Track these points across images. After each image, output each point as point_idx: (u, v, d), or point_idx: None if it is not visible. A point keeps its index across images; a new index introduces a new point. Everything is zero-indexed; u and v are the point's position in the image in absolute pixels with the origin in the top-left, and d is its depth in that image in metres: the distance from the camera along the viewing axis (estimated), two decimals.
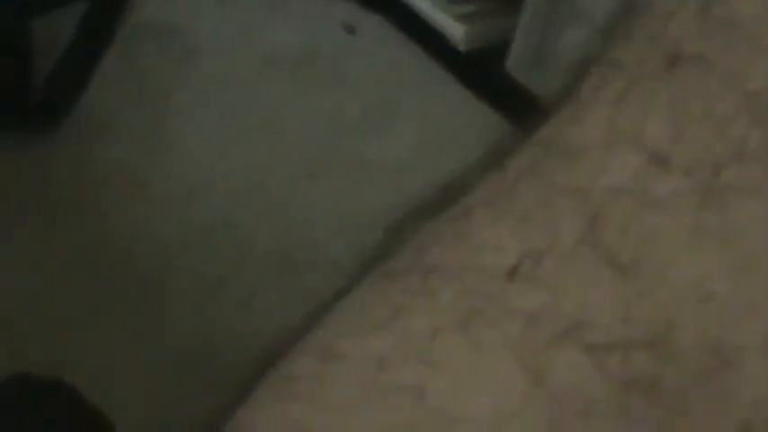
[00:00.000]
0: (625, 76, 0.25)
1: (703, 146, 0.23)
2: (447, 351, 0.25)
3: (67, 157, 0.97)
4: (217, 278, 0.89)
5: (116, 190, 0.95)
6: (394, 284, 0.27)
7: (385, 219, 0.91)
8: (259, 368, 0.33)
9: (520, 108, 0.95)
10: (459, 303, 0.25)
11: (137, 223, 0.93)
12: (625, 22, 0.27)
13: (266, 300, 0.87)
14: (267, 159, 0.94)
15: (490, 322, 0.25)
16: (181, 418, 0.82)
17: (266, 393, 0.30)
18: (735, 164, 0.23)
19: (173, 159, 0.95)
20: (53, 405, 0.66)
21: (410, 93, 1.00)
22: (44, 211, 0.94)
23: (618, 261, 0.24)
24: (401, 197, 0.93)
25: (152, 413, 0.83)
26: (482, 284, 0.25)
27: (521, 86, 0.95)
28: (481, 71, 1.00)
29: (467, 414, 0.25)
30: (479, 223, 0.26)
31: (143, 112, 0.97)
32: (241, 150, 0.94)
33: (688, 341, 0.23)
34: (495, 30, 0.99)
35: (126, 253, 0.91)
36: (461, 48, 0.99)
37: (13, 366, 0.85)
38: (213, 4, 1.05)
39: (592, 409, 0.24)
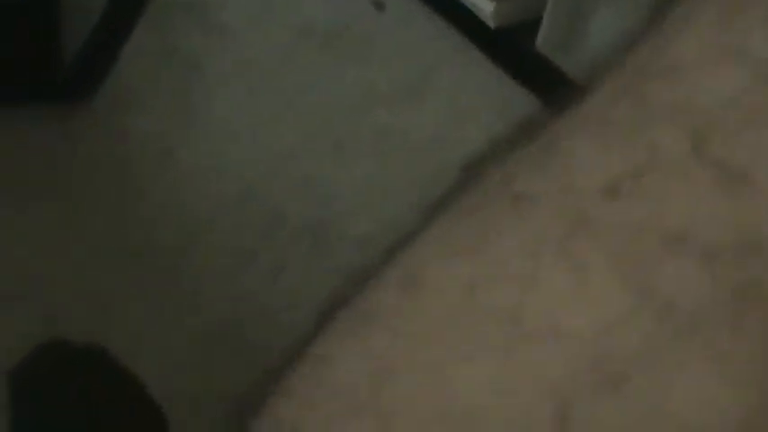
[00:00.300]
0: None
1: None
2: (545, 271, 0.25)
3: (97, 130, 0.98)
4: (246, 251, 0.89)
5: (145, 162, 0.95)
6: (480, 213, 0.27)
7: (413, 193, 0.91)
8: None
9: (549, 85, 0.95)
10: (557, 224, 0.25)
11: (166, 195, 0.93)
12: None
13: (295, 273, 0.88)
14: (296, 133, 0.94)
15: (591, 239, 0.25)
16: (209, 388, 0.83)
17: (342, 330, 0.29)
18: None
19: (202, 132, 0.95)
20: (90, 370, 0.67)
21: (439, 69, 1.00)
22: (75, 182, 0.94)
23: (726, 171, 0.24)
24: (429, 171, 0.93)
25: (180, 383, 0.83)
26: (580, 204, 0.25)
27: (551, 64, 0.95)
28: (511, 48, 0.99)
29: (568, 333, 0.25)
30: (573, 147, 0.26)
31: (173, 86, 0.97)
32: (270, 124, 0.94)
33: None
34: (526, 6, 0.98)
35: (155, 225, 0.92)
36: (491, 24, 0.99)
37: (45, 334, 0.86)
38: None
39: (700, 320, 0.24)
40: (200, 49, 0.98)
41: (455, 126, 0.96)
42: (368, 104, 0.97)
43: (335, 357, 0.27)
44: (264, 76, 0.97)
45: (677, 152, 0.24)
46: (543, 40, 0.97)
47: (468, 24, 1.02)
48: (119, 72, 0.99)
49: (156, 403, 0.67)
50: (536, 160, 0.26)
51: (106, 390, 0.67)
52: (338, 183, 0.92)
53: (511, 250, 0.25)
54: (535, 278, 0.25)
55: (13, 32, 0.97)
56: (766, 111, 0.24)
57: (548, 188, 0.25)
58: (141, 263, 0.89)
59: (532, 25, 0.97)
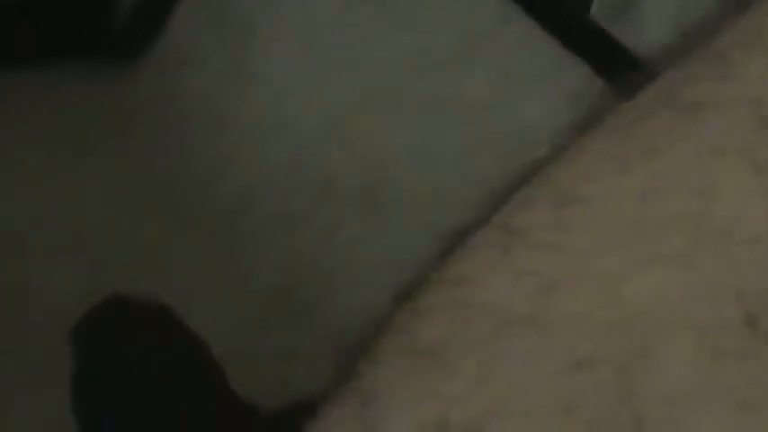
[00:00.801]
0: None
1: None
2: (728, 175, 0.25)
3: (149, 89, 0.98)
4: (300, 212, 0.90)
5: (197, 123, 0.96)
6: (642, 127, 0.27)
7: (465, 158, 0.92)
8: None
9: (603, 54, 0.95)
10: (735, 131, 0.25)
11: (218, 156, 0.94)
12: None
13: (349, 235, 0.88)
14: (349, 95, 0.94)
15: None
16: (263, 347, 0.84)
17: (486, 250, 0.30)
18: None
19: (255, 93, 0.96)
20: (154, 327, 0.67)
21: (490, 35, 1.00)
22: (126, 142, 0.95)
23: None
24: (480, 137, 0.93)
25: (233, 344, 0.84)
26: (759, 111, 0.25)
27: (605, 32, 0.95)
28: (564, 15, 0.99)
29: (754, 237, 0.25)
30: (747, 59, 0.26)
31: (226, 45, 0.98)
32: (324, 86, 0.95)
33: None
34: None
35: (207, 185, 0.93)
36: None
37: (100, 290, 0.87)
38: None
39: None
40: (254, 7, 0.99)
41: (506, 93, 0.96)
42: (420, 70, 0.97)
43: (482, 276, 0.28)
44: (318, 37, 0.97)
45: None
46: (598, 8, 0.96)
47: None
48: (172, 29, 0.99)
49: (219, 362, 0.68)
50: (704, 71, 0.26)
51: (169, 347, 0.68)
52: (391, 146, 0.92)
53: (688, 158, 0.25)
54: (717, 183, 0.25)
55: None
56: None
57: (721, 97, 0.25)
58: (195, 221, 0.90)
59: None
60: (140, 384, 0.63)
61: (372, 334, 0.32)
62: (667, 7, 0.89)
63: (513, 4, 1.02)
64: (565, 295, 0.27)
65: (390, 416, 0.28)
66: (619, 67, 0.94)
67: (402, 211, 0.89)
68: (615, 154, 0.28)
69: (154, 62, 0.99)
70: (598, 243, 0.27)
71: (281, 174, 0.91)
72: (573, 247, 0.27)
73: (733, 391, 0.24)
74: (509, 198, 0.35)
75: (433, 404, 0.27)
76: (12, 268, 0.87)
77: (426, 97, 0.95)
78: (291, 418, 0.47)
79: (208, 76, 0.97)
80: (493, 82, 0.97)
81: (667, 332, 0.25)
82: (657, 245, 0.26)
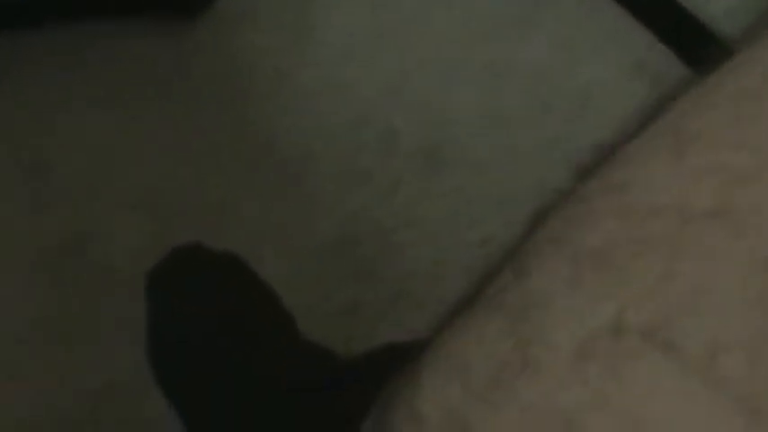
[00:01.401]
0: None
1: None
2: None
3: (213, 46, 0.99)
4: (361, 170, 0.91)
5: (259, 79, 0.97)
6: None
7: (525, 121, 0.93)
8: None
9: (669, 21, 0.95)
10: None
11: (280, 112, 0.95)
12: None
13: (410, 193, 0.89)
14: (413, 56, 0.95)
15: None
16: (325, 305, 0.85)
17: (657, 153, 0.31)
18: None
19: (318, 51, 0.97)
20: (225, 275, 0.68)
21: (552, 1, 1.00)
22: (189, 98, 0.96)
23: None
24: (539, 102, 0.94)
25: (297, 300, 0.85)
26: None
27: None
28: None
29: None
30: None
31: (288, 2, 0.99)
32: (388, 45, 0.96)
33: None
34: None
35: (269, 141, 0.94)
36: None
37: (161, 246, 0.89)
38: None
39: None
40: None
41: (566, 57, 0.97)
42: (482, 34, 0.98)
43: (652, 180, 0.29)
44: (382, 0, 0.98)
45: None
46: None
47: None
48: None
49: (289, 312, 0.69)
50: None
51: (241, 295, 0.69)
52: (453, 107, 0.93)
53: None
54: None
55: None
56: None
57: None
58: (258, 178, 0.91)
59: None
60: (214, 329, 0.64)
61: (517, 243, 0.33)
62: None
63: None
64: (753, 189, 0.28)
65: (553, 325, 0.29)
66: (685, 35, 0.94)
67: (462, 171, 0.90)
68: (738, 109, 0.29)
69: (217, 18, 1.00)
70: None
71: (342, 132, 0.93)
72: (756, 144, 0.28)
73: None
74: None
75: (605, 308, 0.28)
76: (80, 219, 0.89)
77: (487, 61, 0.96)
78: (381, 361, 0.48)
79: (270, 34, 0.98)
80: (552, 45, 0.98)
81: None
82: None
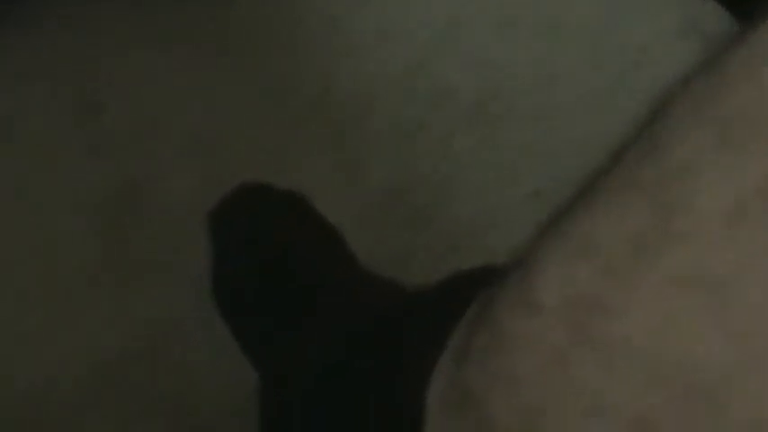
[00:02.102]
0: None
1: None
2: None
3: None
4: (415, 121, 0.91)
5: (312, 28, 0.97)
6: None
7: (580, 78, 0.93)
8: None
9: None
10: None
11: (333, 60, 0.95)
12: None
13: (464, 145, 0.90)
14: (468, 7, 0.95)
15: None
16: (378, 252, 0.86)
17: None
18: None
19: (370, 0, 0.97)
20: (289, 214, 0.69)
21: None
22: (243, 44, 0.97)
23: None
24: (592, 58, 0.94)
25: (351, 244, 0.86)
26: None
27: None
28: None
29: None
30: None
31: None
32: None
33: None
34: None
35: (322, 88, 0.94)
36: None
37: (213, 189, 0.90)
38: None
39: None
40: None
41: (618, 16, 0.97)
42: None
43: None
44: None
45: None
46: None
47: None
48: None
49: (353, 252, 0.69)
50: None
51: (305, 234, 0.69)
52: (507, 60, 0.93)
53: None
54: None
55: None
56: None
57: None
58: (311, 125, 0.92)
59: None
60: (276, 265, 0.64)
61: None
62: None
63: None
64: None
65: (698, 192, 0.29)
66: None
67: (514, 124, 0.91)
68: None
69: None
70: None
71: (395, 82, 0.93)
72: None
73: None
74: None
75: (755, 169, 0.28)
76: (134, 163, 0.90)
77: (542, 17, 0.96)
78: (453, 289, 0.48)
79: None
80: (607, 5, 0.97)
81: None
82: None
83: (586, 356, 0.32)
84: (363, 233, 0.87)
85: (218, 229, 0.69)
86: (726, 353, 0.28)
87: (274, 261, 0.64)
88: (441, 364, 0.41)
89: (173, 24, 0.97)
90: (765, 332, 0.28)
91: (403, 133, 0.91)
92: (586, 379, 0.32)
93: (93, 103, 0.93)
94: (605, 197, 0.33)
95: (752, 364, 0.28)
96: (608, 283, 0.31)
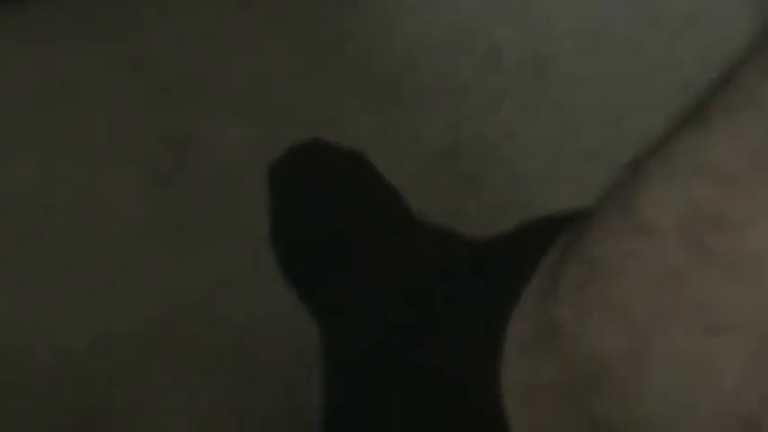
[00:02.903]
0: None
1: None
2: None
3: None
4: (463, 81, 0.92)
5: None
6: None
7: (629, 38, 0.93)
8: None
9: None
10: None
11: (383, 21, 0.95)
12: None
13: (513, 105, 0.90)
14: None
15: None
16: (430, 212, 0.87)
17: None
18: None
19: None
20: (348, 171, 0.69)
21: None
22: (294, 4, 0.97)
23: None
24: (645, 18, 0.94)
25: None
26: None
27: None
28: None
29: None
30: None
31: None
32: None
33: None
34: None
35: (372, 49, 0.94)
36: None
37: (263, 147, 0.91)
38: None
39: None
40: None
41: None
42: None
43: None
44: None
45: None
46: None
47: None
48: None
49: (415, 215, 0.69)
50: None
51: (365, 190, 0.68)
52: (558, 22, 0.93)
53: None
54: None
55: None
56: None
57: None
58: (360, 86, 0.92)
59: None
60: (337, 220, 0.64)
61: None
62: None
63: None
64: None
65: None
66: None
67: (566, 85, 0.91)
68: None
69: None
70: None
71: (446, 40, 0.93)
72: None
73: None
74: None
75: None
76: (185, 119, 0.91)
77: None
78: (526, 237, 0.49)
79: None
80: None
81: None
82: None
83: (709, 274, 0.32)
84: (415, 193, 0.88)
85: (279, 183, 0.69)
86: None
87: (335, 216, 0.64)
88: (520, 306, 0.41)
89: None
90: None
91: (452, 96, 0.91)
92: (709, 297, 0.32)
93: (146, 59, 0.93)
94: (721, 116, 0.34)
95: None
96: (731, 198, 0.32)
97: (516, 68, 0.92)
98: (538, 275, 0.41)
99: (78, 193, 0.88)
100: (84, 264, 0.86)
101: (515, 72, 0.92)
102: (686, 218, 0.33)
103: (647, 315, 0.33)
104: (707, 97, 0.35)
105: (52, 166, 0.89)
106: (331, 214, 0.64)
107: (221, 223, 0.86)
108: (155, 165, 0.89)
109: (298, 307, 0.83)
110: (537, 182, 0.87)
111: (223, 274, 0.85)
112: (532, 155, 0.88)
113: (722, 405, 0.32)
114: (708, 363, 0.32)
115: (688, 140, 0.35)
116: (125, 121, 0.91)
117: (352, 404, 0.51)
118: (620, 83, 0.91)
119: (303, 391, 0.81)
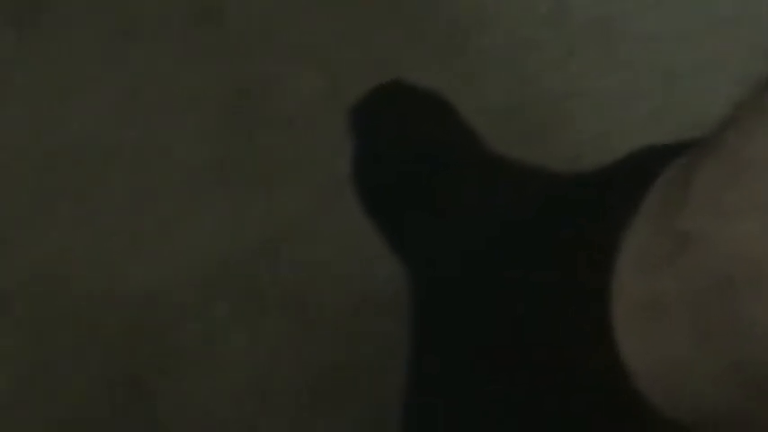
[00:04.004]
0: None
1: None
2: None
3: None
4: (531, 39, 0.91)
5: None
6: None
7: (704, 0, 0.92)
8: None
9: None
10: None
11: None
12: None
13: (580, 64, 0.90)
14: None
15: None
16: None
17: None
18: None
19: None
20: (431, 114, 0.68)
21: None
22: None
23: None
24: None
25: None
26: None
27: None
28: None
29: None
30: None
31: None
32: None
33: None
34: None
35: (436, 2, 0.94)
36: None
37: (329, 97, 0.91)
38: None
39: None
40: None
41: None
42: None
43: None
44: None
45: None
46: None
47: None
48: None
49: (498, 158, 0.68)
50: None
51: (449, 132, 0.68)
52: None
53: None
54: None
55: None
56: None
57: None
58: (427, 39, 0.92)
59: None
60: (422, 160, 0.64)
61: None
62: None
63: None
64: None
65: None
66: None
67: (633, 44, 0.90)
68: None
69: None
70: None
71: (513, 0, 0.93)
72: None
73: None
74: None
75: None
76: (251, 68, 0.91)
77: None
78: (627, 163, 0.48)
79: None
80: None
81: None
82: None
83: None
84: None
85: (360, 124, 0.68)
86: None
87: (420, 156, 0.64)
88: (635, 225, 0.40)
89: None
90: None
91: (519, 52, 0.91)
92: None
93: (212, 8, 0.93)
94: None
95: None
96: None
97: (584, 26, 0.91)
98: (655, 191, 0.41)
99: (144, 136, 0.88)
100: (149, 206, 0.86)
101: (581, 30, 0.91)
102: None
103: None
104: None
105: (118, 110, 0.90)
106: (414, 155, 0.64)
107: (286, 169, 0.86)
108: (221, 110, 0.89)
109: (362, 255, 0.83)
110: (603, 140, 0.87)
111: (287, 219, 0.85)
112: (599, 113, 0.88)
113: None
114: None
115: None
116: (192, 68, 0.91)
117: (441, 347, 0.51)
118: (687, 42, 0.90)
119: (364, 341, 0.81)
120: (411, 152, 0.64)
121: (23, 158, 0.89)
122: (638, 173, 0.43)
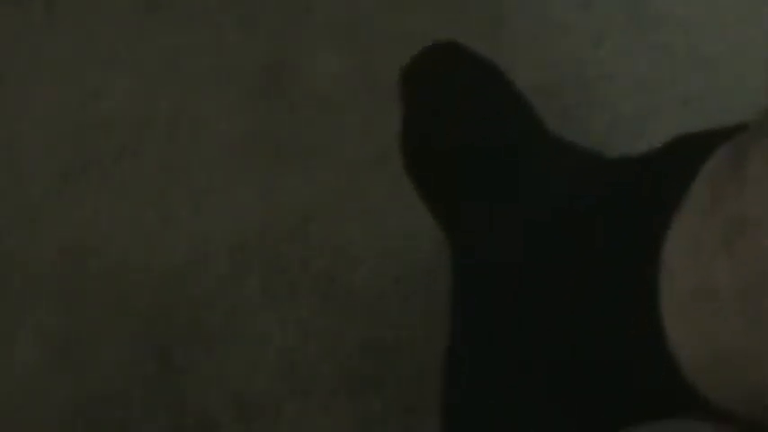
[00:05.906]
0: None
1: None
2: None
3: None
4: (564, 22, 0.91)
5: None
6: None
7: None
8: None
9: None
10: None
11: None
12: None
13: (613, 46, 0.90)
14: None
15: None
16: None
17: None
18: None
19: None
20: (483, 79, 0.67)
21: None
22: None
23: None
24: None
25: None
26: None
27: None
28: None
29: None
30: None
31: None
32: None
33: None
34: None
35: None
36: None
37: (361, 74, 0.90)
38: None
39: None
40: None
41: None
42: None
43: None
44: None
45: None
46: None
47: None
48: None
49: (550, 131, 0.67)
50: None
51: (502, 98, 0.67)
52: None
53: None
54: None
55: None
56: None
57: None
58: (459, 19, 0.92)
59: None
60: (476, 123, 0.63)
61: None
62: None
63: None
64: None
65: None
66: None
67: (667, 28, 0.90)
68: None
69: None
70: None
71: None
72: None
73: None
74: None
75: None
76: (282, 44, 0.91)
77: None
78: (668, 150, 0.48)
79: None
80: None
81: None
82: None
83: None
84: None
85: (411, 86, 0.67)
86: None
87: (469, 124, 0.63)
88: (686, 207, 0.40)
89: None
90: None
91: (552, 35, 0.91)
92: None
93: None
94: None
95: None
96: None
97: (617, 9, 0.91)
98: (701, 179, 0.40)
99: (177, 110, 0.88)
100: (182, 179, 0.86)
101: (616, 13, 0.91)
102: None
103: None
104: None
105: (151, 84, 0.90)
106: (464, 122, 0.63)
107: (319, 147, 0.86)
108: (253, 85, 0.89)
109: (393, 235, 0.83)
110: (636, 124, 0.87)
111: (319, 196, 0.85)
112: (632, 97, 0.88)
113: None
114: None
115: None
116: (224, 45, 0.91)
117: (484, 321, 0.51)
118: (719, 27, 0.90)
119: (394, 321, 0.82)
120: (460, 120, 0.63)
121: (53, 131, 0.89)
122: (683, 162, 0.43)
